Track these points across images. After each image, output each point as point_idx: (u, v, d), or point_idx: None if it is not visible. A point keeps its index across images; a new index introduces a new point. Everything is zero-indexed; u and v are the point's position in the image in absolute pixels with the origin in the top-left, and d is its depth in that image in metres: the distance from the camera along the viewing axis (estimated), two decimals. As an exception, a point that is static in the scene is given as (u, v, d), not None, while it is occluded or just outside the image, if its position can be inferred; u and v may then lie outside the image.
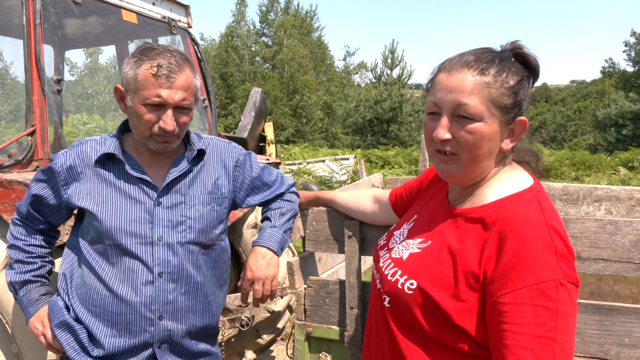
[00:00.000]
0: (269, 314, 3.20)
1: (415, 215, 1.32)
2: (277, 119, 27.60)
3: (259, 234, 1.68)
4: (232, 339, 3.25)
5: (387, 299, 1.18)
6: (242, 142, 4.37)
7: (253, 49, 31.33)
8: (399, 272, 1.16)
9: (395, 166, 14.65)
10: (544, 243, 0.99)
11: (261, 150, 4.93)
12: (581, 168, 15.11)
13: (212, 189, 1.61)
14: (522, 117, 1.10)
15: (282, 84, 29.39)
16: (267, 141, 4.95)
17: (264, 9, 32.24)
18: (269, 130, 4.97)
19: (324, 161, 10.76)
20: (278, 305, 3.22)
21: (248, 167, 1.71)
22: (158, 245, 1.50)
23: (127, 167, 1.52)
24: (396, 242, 1.28)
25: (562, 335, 0.96)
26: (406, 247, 1.21)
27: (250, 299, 1.65)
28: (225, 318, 2.79)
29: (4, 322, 1.98)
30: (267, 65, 31.61)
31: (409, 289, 1.11)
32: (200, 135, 1.68)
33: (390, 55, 27.22)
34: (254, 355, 3.37)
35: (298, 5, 33.30)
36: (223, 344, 2.95)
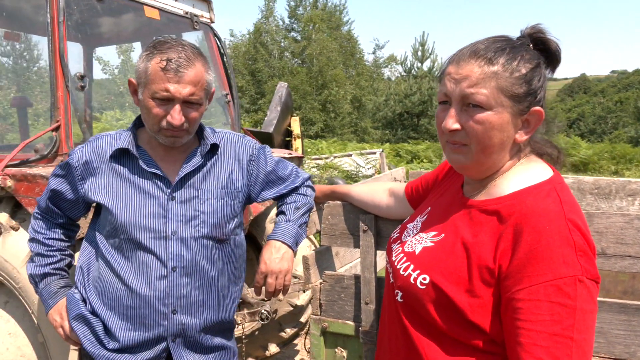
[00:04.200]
0: (291, 308, 3.20)
1: (429, 208, 1.28)
2: (306, 114, 27.61)
3: (274, 228, 1.67)
4: (256, 332, 3.28)
5: (400, 293, 1.15)
6: (268, 136, 4.39)
7: (282, 44, 31.41)
8: (412, 266, 1.13)
9: (425, 160, 14.45)
10: (562, 237, 0.94)
11: (287, 145, 4.94)
12: (621, 162, 14.56)
13: (226, 183, 1.60)
14: (537, 108, 1.05)
15: (311, 78, 29.36)
16: (293, 135, 4.96)
17: (292, 3, 32.28)
18: (295, 125, 4.98)
19: (350, 155, 10.69)
20: (300, 299, 3.22)
21: (262, 161, 1.70)
22: (172, 240, 1.50)
23: (141, 162, 1.52)
24: (409, 235, 1.25)
25: (580, 334, 0.91)
26: (419, 241, 1.18)
27: (264, 292, 1.65)
28: (245, 311, 2.81)
29: (30, 312, 2.04)
30: (296, 60, 31.65)
31: (421, 283, 1.08)
32: (215, 129, 1.67)
33: (420, 48, 26.85)
34: (277, 349, 3.39)
35: (326, 0, 33.16)
36: (244, 337, 2.97)
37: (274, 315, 3.18)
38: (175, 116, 1.43)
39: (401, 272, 1.15)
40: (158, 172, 1.53)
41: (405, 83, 26.74)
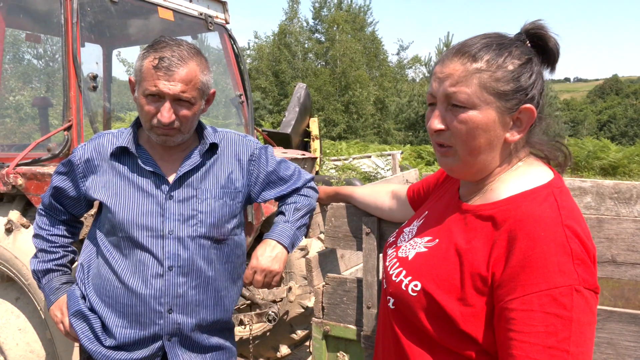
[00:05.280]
0: (302, 310, 3.18)
1: (426, 212, 1.24)
2: (329, 115, 27.59)
3: (272, 228, 1.65)
4: (267, 333, 3.27)
5: (392, 300, 1.12)
6: (285, 137, 4.38)
7: (306, 45, 31.46)
8: (404, 272, 1.09)
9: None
10: (558, 245, 0.89)
11: (306, 146, 4.93)
12: (653, 166, 14.06)
13: (226, 183, 1.59)
14: (527, 105, 1.00)
15: (334, 79, 29.33)
16: (311, 137, 4.94)
17: (317, 5, 32.31)
18: (314, 126, 4.96)
19: (369, 157, 10.63)
20: (312, 301, 3.20)
21: (263, 161, 1.68)
22: (169, 239, 1.50)
23: (139, 161, 1.53)
24: (404, 240, 1.21)
25: (577, 347, 0.86)
26: (413, 246, 1.14)
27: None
28: (253, 312, 2.80)
29: (39, 308, 2.08)
30: (319, 61, 31.66)
31: (413, 290, 1.05)
32: (216, 129, 1.67)
33: (444, 49, 26.50)
34: (288, 350, 3.38)
35: (351, 1, 33.04)
36: (251, 338, 2.97)
37: (285, 316, 3.17)
38: (165, 114, 1.43)
39: (393, 278, 1.11)
40: (155, 170, 1.53)
41: (429, 84, 26.50)
